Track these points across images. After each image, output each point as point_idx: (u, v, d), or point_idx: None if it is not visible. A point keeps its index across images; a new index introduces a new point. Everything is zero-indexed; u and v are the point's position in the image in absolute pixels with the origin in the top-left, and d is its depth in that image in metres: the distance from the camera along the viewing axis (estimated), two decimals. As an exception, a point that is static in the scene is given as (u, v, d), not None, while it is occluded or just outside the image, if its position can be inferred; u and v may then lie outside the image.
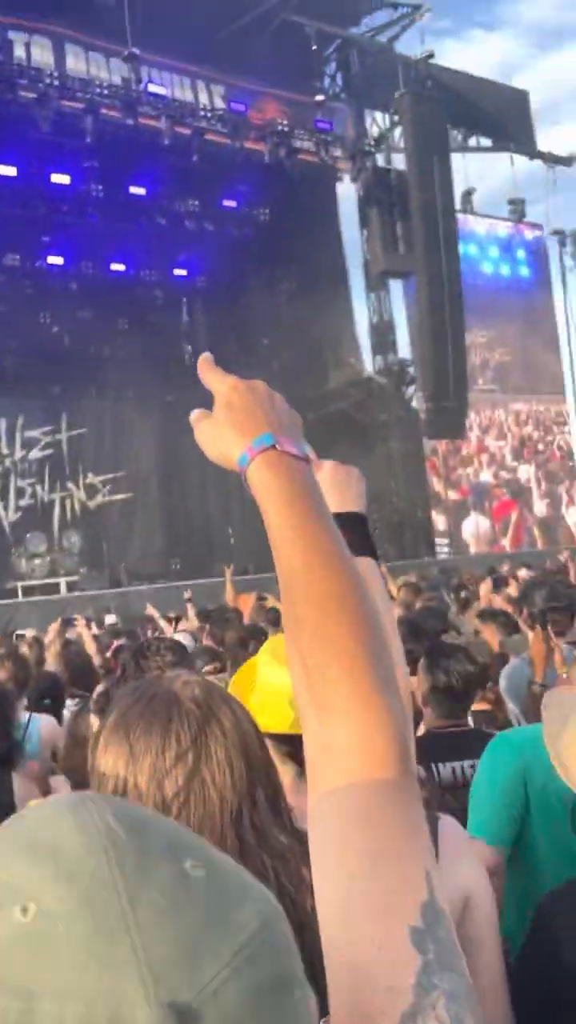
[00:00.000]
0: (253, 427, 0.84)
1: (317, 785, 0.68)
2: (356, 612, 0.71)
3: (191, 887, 0.42)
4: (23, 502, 20.01)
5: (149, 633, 7.49)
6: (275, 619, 7.75)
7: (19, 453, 19.96)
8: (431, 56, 20.44)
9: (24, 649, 6.47)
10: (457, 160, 21.55)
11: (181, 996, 0.38)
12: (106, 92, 16.78)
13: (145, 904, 0.40)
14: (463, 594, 10.74)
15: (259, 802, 1.00)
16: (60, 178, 17.66)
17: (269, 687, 1.60)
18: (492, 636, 4.96)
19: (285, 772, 1.42)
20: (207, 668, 3.67)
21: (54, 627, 8.86)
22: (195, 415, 0.92)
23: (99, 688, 3.50)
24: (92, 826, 0.44)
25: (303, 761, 0.71)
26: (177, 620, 10.03)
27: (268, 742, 1.34)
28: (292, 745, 1.45)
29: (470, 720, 2.99)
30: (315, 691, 0.70)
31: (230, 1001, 0.39)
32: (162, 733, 0.98)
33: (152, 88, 17.06)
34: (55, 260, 19.17)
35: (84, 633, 8.05)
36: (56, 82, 16.40)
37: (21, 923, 0.39)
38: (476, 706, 3.26)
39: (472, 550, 22.40)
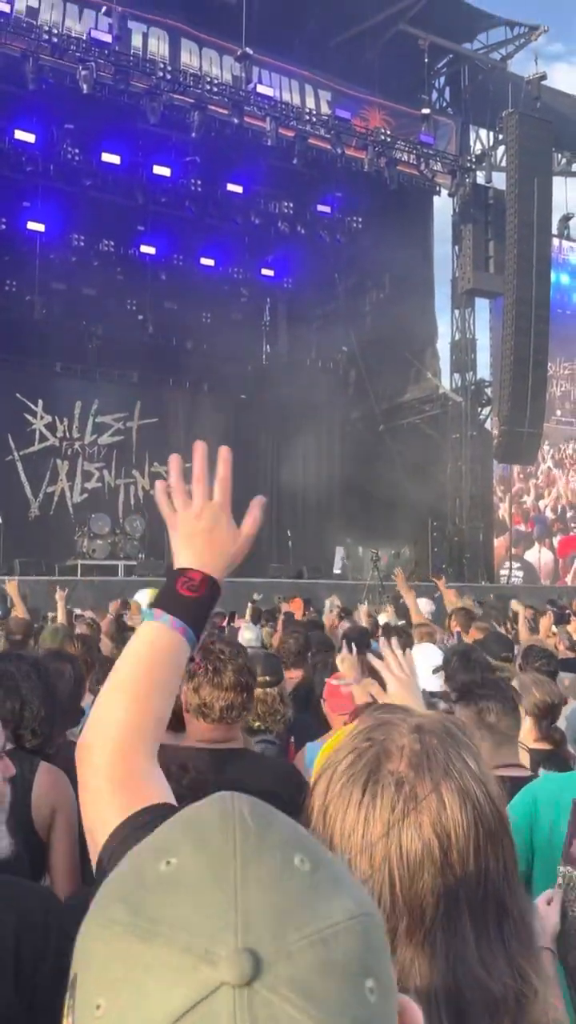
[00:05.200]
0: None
1: None
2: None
3: (294, 874, 0.53)
4: (89, 485, 20.36)
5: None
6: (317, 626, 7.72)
7: (89, 437, 20.32)
8: (543, 77, 20.17)
9: (82, 628, 6.56)
10: (558, 184, 21.28)
11: (261, 947, 0.49)
12: (215, 89, 16.97)
13: (253, 876, 0.52)
14: (520, 624, 10.56)
15: (457, 924, 0.84)
16: (161, 170, 17.91)
17: None
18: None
19: None
20: (260, 678, 3.62)
21: (114, 606, 9.00)
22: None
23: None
24: (229, 812, 0.56)
25: None
26: (231, 616, 10.07)
27: None
28: None
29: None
30: None
31: (301, 965, 0.49)
32: (357, 807, 0.87)
33: (260, 89, 17.17)
34: (147, 249, 19.44)
35: (138, 618, 8.14)
36: (168, 75, 16.65)
37: (163, 872, 0.53)
38: (536, 745, 3.19)
39: (539, 581, 22.03)
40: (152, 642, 1.16)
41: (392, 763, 0.88)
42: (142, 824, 1.00)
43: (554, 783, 2.19)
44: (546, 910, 1.70)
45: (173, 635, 1.16)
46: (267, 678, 3.63)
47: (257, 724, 3.44)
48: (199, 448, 1.31)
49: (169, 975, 0.48)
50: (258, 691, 3.48)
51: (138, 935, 0.50)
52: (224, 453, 1.32)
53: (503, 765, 2.66)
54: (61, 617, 6.92)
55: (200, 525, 1.27)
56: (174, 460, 1.32)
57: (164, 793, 1.09)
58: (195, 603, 1.19)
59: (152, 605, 1.20)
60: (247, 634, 5.82)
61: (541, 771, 3.02)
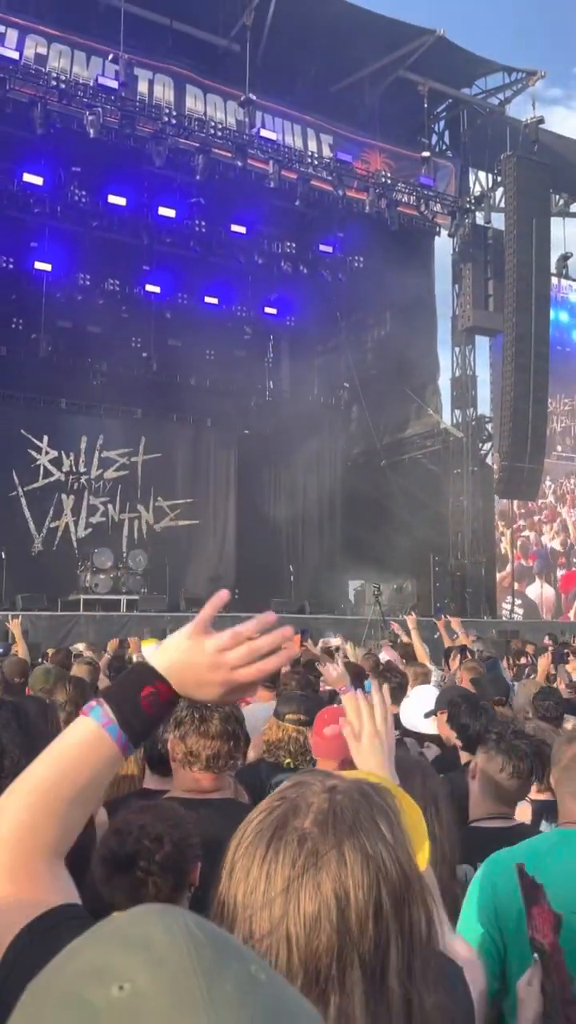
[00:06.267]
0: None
1: None
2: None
3: (257, 985, 0.51)
4: (94, 519, 20.46)
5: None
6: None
7: (95, 472, 20.47)
8: (541, 121, 20.56)
9: (80, 669, 6.59)
10: (556, 224, 21.63)
11: None
12: (219, 133, 17.35)
13: (219, 992, 0.49)
14: (521, 660, 10.56)
15: (349, 986, 0.83)
16: (166, 211, 18.25)
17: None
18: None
19: None
20: (291, 716, 3.61)
21: (112, 645, 9.03)
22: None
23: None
24: (176, 927, 0.53)
25: None
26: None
27: None
28: None
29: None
30: None
31: None
32: (260, 863, 0.86)
33: (264, 133, 17.56)
34: (152, 288, 19.72)
35: (137, 657, 8.17)
36: (173, 120, 17.04)
37: (116, 998, 0.48)
38: (538, 796, 3.19)
39: (540, 616, 21.99)
40: (87, 746, 1.06)
41: (298, 820, 0.87)
42: (47, 928, 0.94)
43: (506, 859, 2.05)
44: (526, 991, 1.59)
45: (112, 748, 1.05)
46: (301, 717, 3.64)
47: (288, 762, 3.45)
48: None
49: None
50: (290, 729, 3.52)
51: None
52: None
53: (494, 816, 2.68)
54: (21, 650, 6.95)
55: (190, 643, 1.11)
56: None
57: (67, 892, 1.01)
58: (149, 720, 1.08)
59: (104, 696, 1.09)
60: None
61: (544, 823, 3.02)
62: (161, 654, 1.11)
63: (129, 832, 1.86)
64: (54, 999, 0.50)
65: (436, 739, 4.34)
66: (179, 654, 1.10)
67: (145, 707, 1.06)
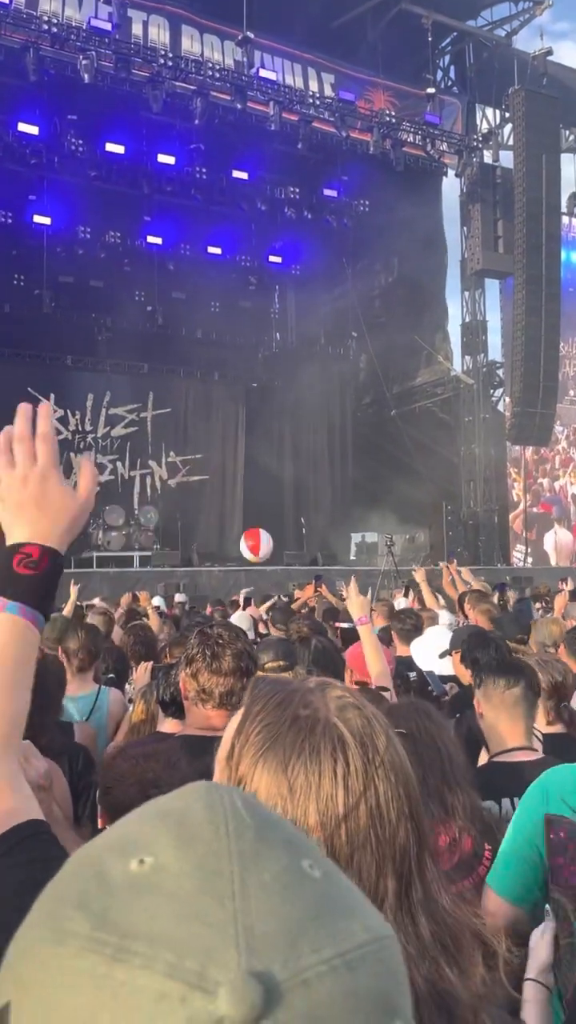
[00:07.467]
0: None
1: None
2: None
3: (304, 882, 0.43)
4: (103, 478, 20.37)
5: (217, 616, 7.55)
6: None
7: (103, 429, 20.33)
8: (549, 53, 19.89)
9: (95, 619, 6.57)
10: (567, 161, 21.00)
11: (272, 972, 0.38)
12: (218, 75, 16.86)
13: (255, 881, 0.42)
14: (537, 606, 10.53)
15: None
16: (166, 158, 17.83)
17: None
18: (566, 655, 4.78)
19: None
20: (271, 664, 3.61)
21: (125, 599, 9.06)
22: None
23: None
24: (219, 804, 0.46)
25: None
26: (247, 603, 10.08)
27: None
28: None
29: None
30: None
31: (321, 996, 0.39)
32: (330, 777, 0.84)
33: (263, 73, 17.06)
34: (154, 240, 19.35)
35: (149, 609, 8.19)
36: (169, 62, 16.56)
37: (134, 872, 0.42)
38: (550, 728, 3.11)
39: (551, 563, 21.89)
40: (2, 636, 1.05)
41: (336, 725, 0.86)
42: (10, 847, 0.92)
43: (564, 775, 2.03)
44: (537, 942, 1.60)
45: (21, 624, 1.04)
46: (281, 663, 3.63)
47: None
48: (21, 410, 1.14)
49: (148, 1007, 0.37)
50: (271, 677, 3.50)
51: (105, 954, 0.38)
52: (43, 409, 1.15)
53: (512, 749, 2.60)
54: (68, 609, 6.96)
55: (28, 492, 1.10)
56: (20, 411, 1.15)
57: (31, 807, 0.99)
58: (38, 581, 1.06)
59: None
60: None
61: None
62: (12, 531, 1.11)
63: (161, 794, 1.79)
64: (73, 867, 0.44)
65: (454, 679, 4.30)
66: (12, 515, 1.11)
67: (22, 570, 1.06)
